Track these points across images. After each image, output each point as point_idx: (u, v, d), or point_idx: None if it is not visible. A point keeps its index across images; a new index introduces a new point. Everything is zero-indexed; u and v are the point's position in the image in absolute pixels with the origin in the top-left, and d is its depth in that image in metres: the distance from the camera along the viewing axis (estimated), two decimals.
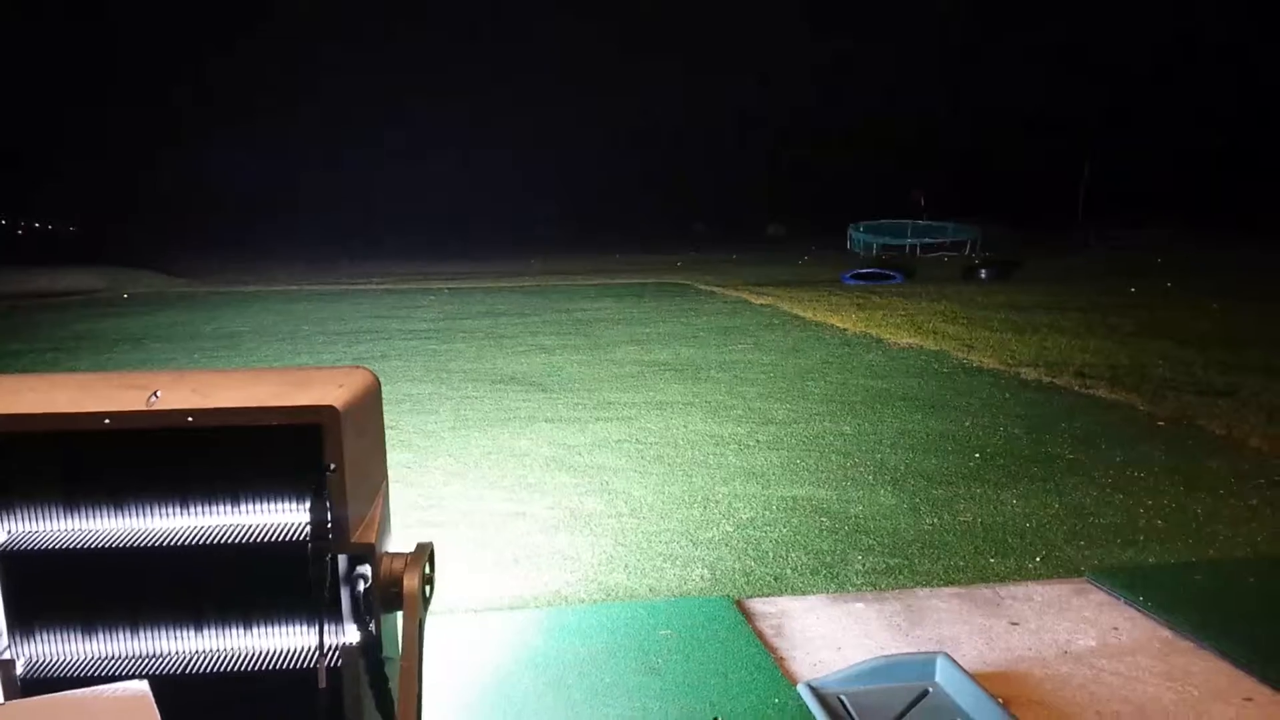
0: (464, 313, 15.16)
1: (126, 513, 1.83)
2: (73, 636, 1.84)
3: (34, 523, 1.82)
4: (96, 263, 28.73)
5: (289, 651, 1.85)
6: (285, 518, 1.84)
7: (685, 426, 6.60)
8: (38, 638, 1.84)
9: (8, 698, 1.82)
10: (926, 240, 35.60)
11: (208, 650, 1.86)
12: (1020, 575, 3.90)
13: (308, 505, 1.77)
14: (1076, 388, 7.78)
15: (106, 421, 1.75)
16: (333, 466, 1.76)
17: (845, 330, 11.89)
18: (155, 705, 1.39)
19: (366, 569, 1.84)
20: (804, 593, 3.75)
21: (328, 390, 1.82)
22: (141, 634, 1.85)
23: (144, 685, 1.42)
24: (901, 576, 3.90)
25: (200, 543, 1.80)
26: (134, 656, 1.86)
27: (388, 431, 2.27)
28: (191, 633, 1.85)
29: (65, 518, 1.83)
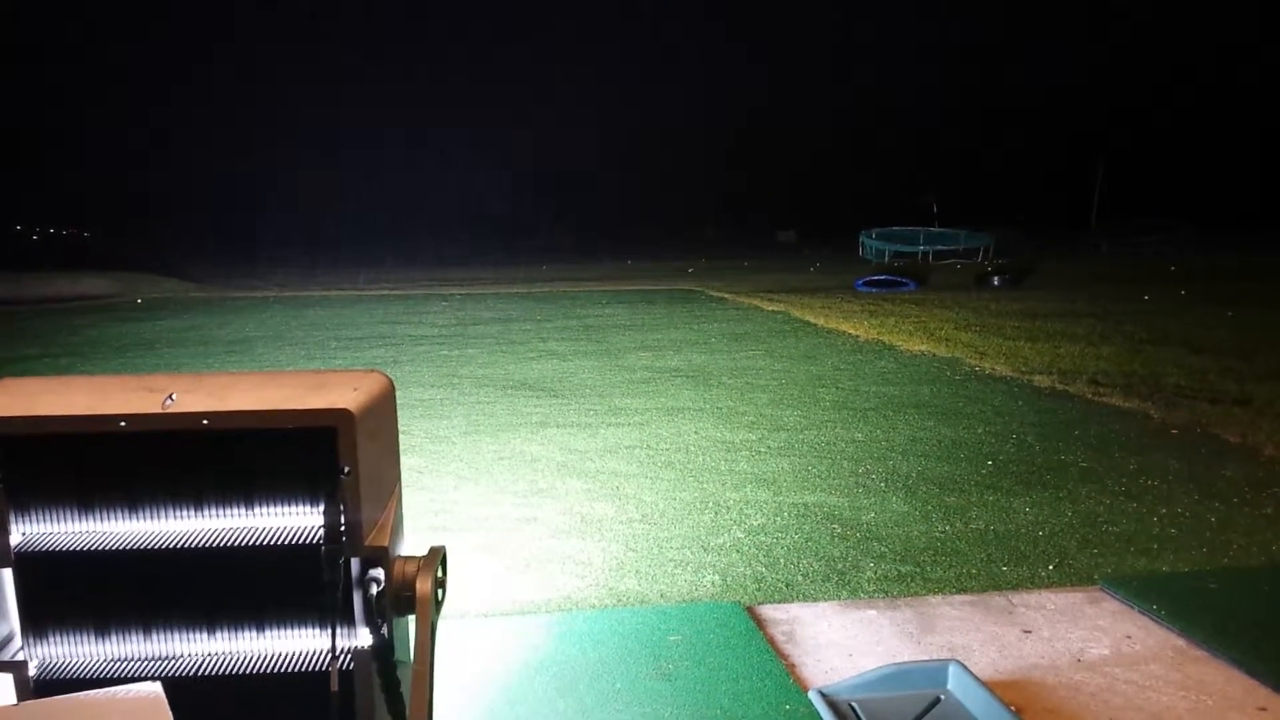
0: (475, 318, 15.19)
1: (141, 515, 1.84)
2: (86, 638, 1.85)
3: (49, 524, 1.83)
4: (110, 268, 28.87)
5: (301, 654, 1.86)
6: (299, 520, 1.84)
7: (696, 432, 6.60)
8: (51, 639, 1.84)
9: (21, 699, 1.82)
10: (939, 247, 35.51)
11: (220, 653, 1.86)
12: (1033, 583, 3.88)
13: (321, 508, 1.77)
14: (1090, 395, 7.75)
15: (122, 424, 1.75)
16: (347, 470, 1.77)
17: (857, 337, 11.87)
18: (168, 707, 1.39)
19: (379, 572, 1.84)
20: (815, 599, 3.74)
21: (342, 393, 1.82)
22: (155, 636, 1.85)
23: (157, 687, 1.42)
24: (913, 584, 3.89)
25: (214, 545, 1.80)
26: (147, 658, 1.86)
27: (399, 436, 2.28)
28: (204, 635, 1.86)
29: (80, 519, 1.84)
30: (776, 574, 4.01)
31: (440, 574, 1.92)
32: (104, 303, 20.36)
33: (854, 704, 2.82)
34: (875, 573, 4.00)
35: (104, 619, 1.84)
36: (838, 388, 8.28)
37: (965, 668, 2.89)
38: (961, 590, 3.81)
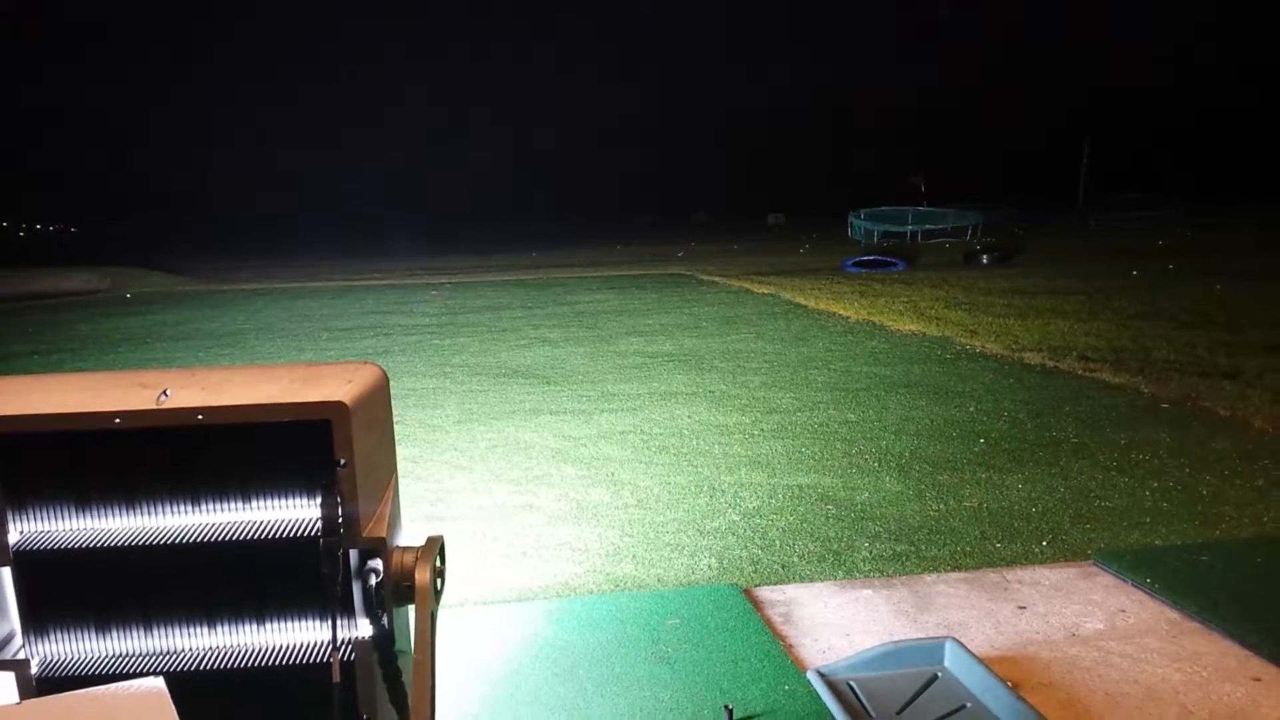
0: (466, 307, 15.16)
1: (138, 511, 1.84)
2: (87, 635, 1.85)
3: (46, 522, 1.83)
4: (98, 263, 28.72)
5: (302, 646, 1.86)
6: (296, 513, 1.85)
7: (690, 416, 6.61)
8: (52, 637, 1.84)
9: (23, 697, 1.83)
10: (927, 227, 35.52)
11: (221, 646, 1.87)
12: (1027, 559, 3.91)
13: (319, 501, 1.77)
14: (1080, 371, 7.78)
15: (117, 421, 1.75)
16: (343, 462, 1.77)
17: (848, 318, 11.88)
18: (171, 702, 1.40)
19: (378, 563, 1.84)
20: (812, 580, 3.76)
21: (337, 386, 1.82)
22: (155, 631, 1.86)
23: (160, 682, 1.43)
24: (908, 563, 3.91)
25: (212, 540, 1.81)
26: (148, 654, 1.86)
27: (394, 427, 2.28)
28: (205, 629, 1.86)
29: (77, 517, 1.84)
30: (772, 556, 4.03)
31: (439, 563, 1.93)
32: (93, 298, 20.25)
33: (852, 683, 2.84)
34: (870, 552, 4.03)
35: (104, 615, 1.84)
36: (829, 369, 8.30)
37: (962, 645, 2.91)
38: (956, 568, 3.84)
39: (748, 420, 6.45)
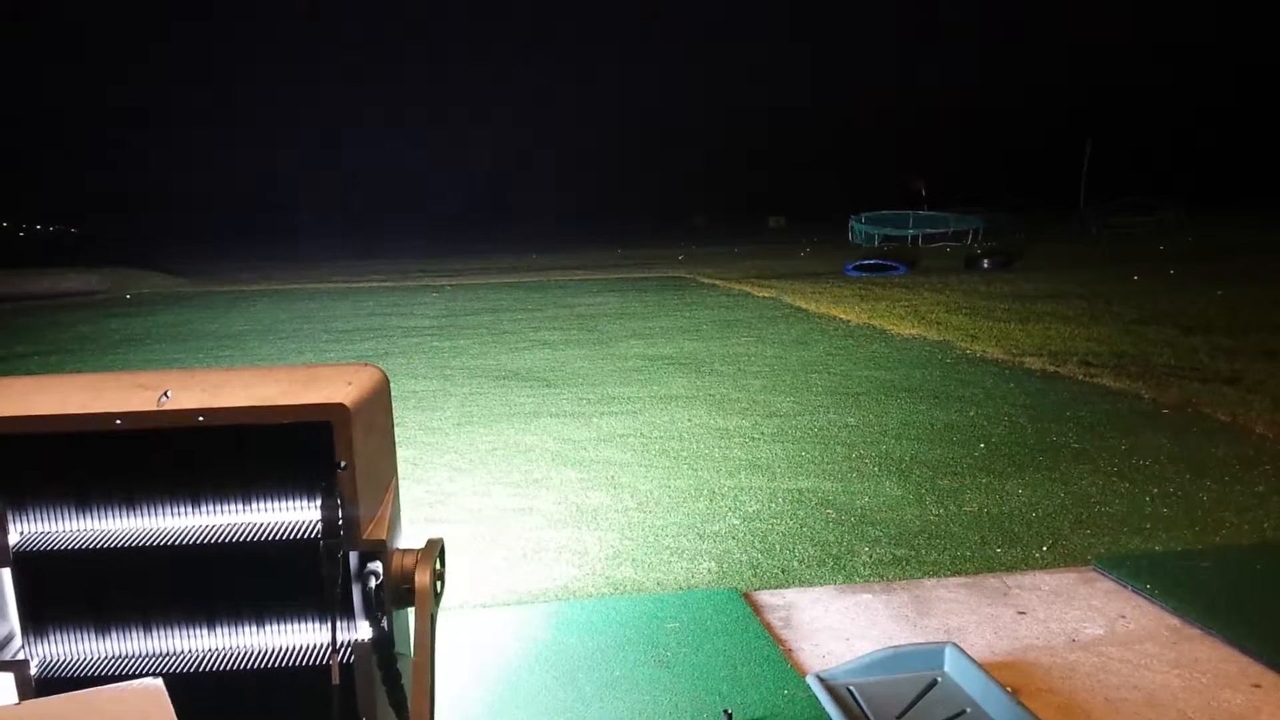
0: (466, 309, 15.16)
1: (138, 512, 1.84)
2: (86, 636, 1.85)
3: (47, 523, 1.83)
4: (98, 264, 28.71)
5: (302, 649, 1.86)
6: (297, 515, 1.85)
7: (690, 420, 6.61)
8: (51, 638, 1.84)
9: (22, 698, 1.82)
10: (928, 231, 35.49)
11: (221, 648, 1.87)
12: (1027, 564, 3.91)
13: (319, 503, 1.77)
14: (1081, 376, 7.78)
15: (118, 422, 1.75)
16: (343, 464, 1.77)
17: (848, 322, 11.88)
18: (170, 703, 1.40)
19: (378, 565, 1.84)
20: (811, 584, 3.75)
21: (337, 388, 1.82)
22: (154, 633, 1.86)
23: (159, 683, 1.43)
24: (908, 567, 3.91)
25: (212, 541, 1.81)
26: (147, 655, 1.86)
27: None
28: (204, 631, 1.86)
29: (77, 518, 1.84)
30: (772, 560, 4.02)
31: (438, 566, 1.93)
32: (93, 299, 20.25)
33: (852, 688, 2.84)
34: (870, 557, 4.02)
35: (104, 617, 1.84)
36: (830, 373, 8.30)
37: (961, 650, 2.91)
38: (956, 573, 3.83)
39: (748, 424, 6.45)
